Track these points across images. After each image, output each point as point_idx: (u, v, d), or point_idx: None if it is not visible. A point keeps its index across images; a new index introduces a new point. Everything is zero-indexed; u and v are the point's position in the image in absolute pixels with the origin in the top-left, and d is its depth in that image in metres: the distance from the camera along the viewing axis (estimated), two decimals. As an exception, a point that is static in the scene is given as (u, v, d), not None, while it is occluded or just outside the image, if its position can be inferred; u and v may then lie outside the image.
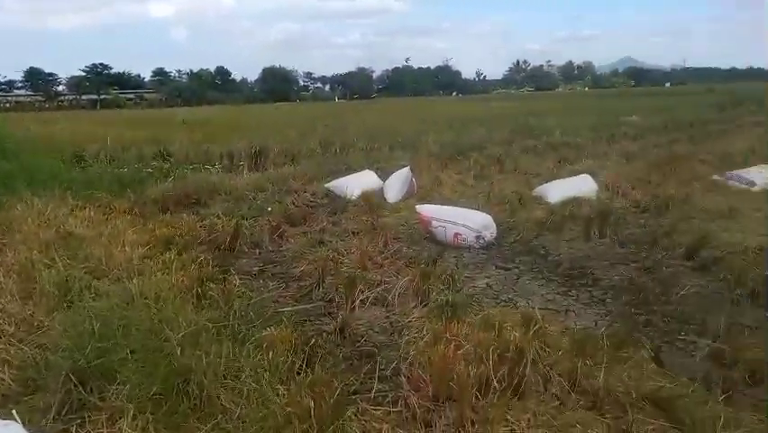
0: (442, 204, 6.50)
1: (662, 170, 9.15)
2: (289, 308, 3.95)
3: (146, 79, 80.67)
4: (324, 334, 3.60)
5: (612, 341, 3.29)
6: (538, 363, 2.94)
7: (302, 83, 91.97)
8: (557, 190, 7.52)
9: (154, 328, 3.10)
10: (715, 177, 8.40)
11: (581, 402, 2.74)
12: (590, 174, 8.26)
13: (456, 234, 5.62)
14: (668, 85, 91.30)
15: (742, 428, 2.55)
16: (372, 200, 7.30)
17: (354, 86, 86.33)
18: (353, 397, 2.83)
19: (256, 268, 5.01)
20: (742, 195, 7.49)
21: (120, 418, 2.54)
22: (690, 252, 5.02)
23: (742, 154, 10.61)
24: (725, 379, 2.95)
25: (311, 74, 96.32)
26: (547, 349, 3.07)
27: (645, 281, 4.47)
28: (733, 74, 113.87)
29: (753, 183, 7.92)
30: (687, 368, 3.15)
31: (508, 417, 2.59)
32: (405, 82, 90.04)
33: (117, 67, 77.68)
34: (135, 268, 4.45)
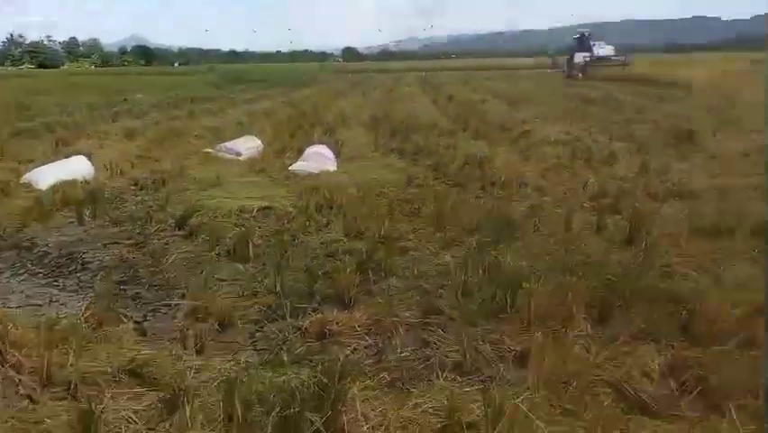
0: None
1: (162, 146, 9.46)
2: None
3: None
4: None
5: (92, 323, 3.24)
6: (5, 368, 2.66)
7: None
8: (49, 175, 6.92)
9: None
10: (208, 150, 9.15)
11: (55, 394, 2.62)
12: (88, 155, 7.90)
13: None
14: (177, 65, 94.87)
15: (208, 372, 2.84)
16: None
17: None
18: None
19: None
20: (231, 164, 8.39)
21: None
22: (180, 221, 5.35)
23: (232, 127, 11.90)
24: (199, 332, 3.26)
25: None
26: (12, 350, 2.79)
27: (136, 257, 4.56)
28: (232, 55, 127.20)
29: (239, 153, 8.95)
30: (169, 330, 3.36)
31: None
32: None
33: None
34: None
